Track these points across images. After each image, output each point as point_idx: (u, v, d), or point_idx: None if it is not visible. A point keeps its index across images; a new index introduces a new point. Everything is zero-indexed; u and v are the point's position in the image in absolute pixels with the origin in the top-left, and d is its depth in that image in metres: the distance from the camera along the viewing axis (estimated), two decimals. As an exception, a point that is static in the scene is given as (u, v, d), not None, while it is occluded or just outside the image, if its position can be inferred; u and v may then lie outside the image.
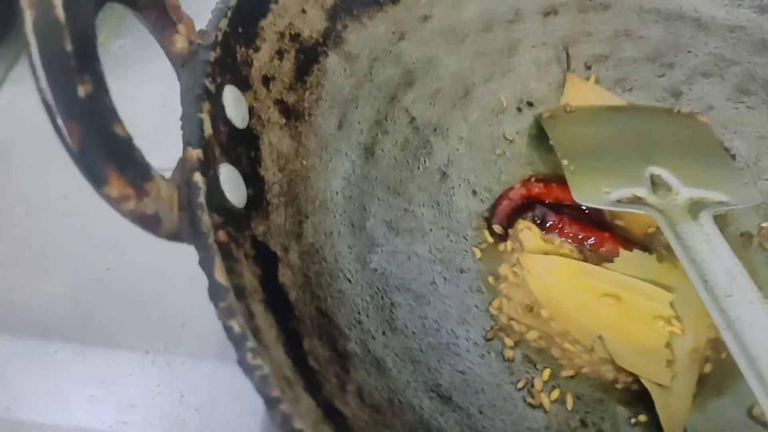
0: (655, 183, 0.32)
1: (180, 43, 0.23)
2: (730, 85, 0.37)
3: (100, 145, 0.17)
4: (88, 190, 0.17)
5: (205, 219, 0.20)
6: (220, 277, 0.19)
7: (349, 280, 0.27)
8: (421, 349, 0.27)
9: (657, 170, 0.32)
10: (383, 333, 0.26)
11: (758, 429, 0.28)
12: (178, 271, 0.33)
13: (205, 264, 0.19)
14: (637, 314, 0.30)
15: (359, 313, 0.26)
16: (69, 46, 0.17)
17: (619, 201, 0.31)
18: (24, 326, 0.33)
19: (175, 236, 0.20)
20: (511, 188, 0.34)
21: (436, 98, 0.35)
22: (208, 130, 0.22)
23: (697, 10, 0.37)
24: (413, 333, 0.27)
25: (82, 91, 0.17)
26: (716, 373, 0.29)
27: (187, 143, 0.21)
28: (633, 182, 0.32)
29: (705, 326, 0.30)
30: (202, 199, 0.20)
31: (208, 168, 0.21)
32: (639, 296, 0.31)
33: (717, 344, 0.30)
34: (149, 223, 0.19)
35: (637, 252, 0.32)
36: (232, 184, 0.23)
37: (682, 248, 0.28)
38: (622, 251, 0.32)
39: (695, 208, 0.30)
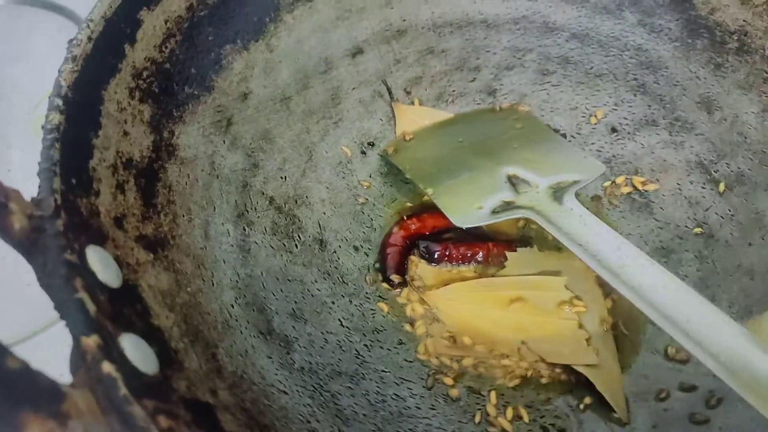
0: (514, 183, 0.33)
1: (18, 223, 0.20)
2: (532, 71, 0.40)
3: (2, 394, 0.14)
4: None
5: (138, 411, 0.17)
6: (183, 469, 0.17)
7: (285, 392, 0.25)
8: (379, 428, 0.26)
9: (511, 170, 0.34)
10: (339, 431, 0.25)
11: (677, 366, 0.31)
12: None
13: (160, 462, 0.17)
14: (544, 308, 0.32)
15: (309, 422, 0.25)
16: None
17: (494, 212, 0.32)
18: None
19: (110, 446, 0.17)
20: (390, 234, 0.34)
21: (285, 170, 0.34)
22: (91, 307, 0.19)
23: (481, 12, 0.40)
24: (364, 416, 0.26)
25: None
26: (624, 334, 0.32)
27: (77, 335, 0.19)
28: (496, 189, 0.33)
29: (600, 295, 0.33)
30: (124, 391, 0.18)
31: (110, 351, 0.19)
32: (539, 291, 0.32)
33: (612, 310, 0.32)
34: (81, 447, 0.16)
35: (521, 250, 0.34)
36: (140, 353, 0.20)
37: (565, 237, 0.29)
38: (509, 254, 0.33)
39: (558, 194, 0.32)
